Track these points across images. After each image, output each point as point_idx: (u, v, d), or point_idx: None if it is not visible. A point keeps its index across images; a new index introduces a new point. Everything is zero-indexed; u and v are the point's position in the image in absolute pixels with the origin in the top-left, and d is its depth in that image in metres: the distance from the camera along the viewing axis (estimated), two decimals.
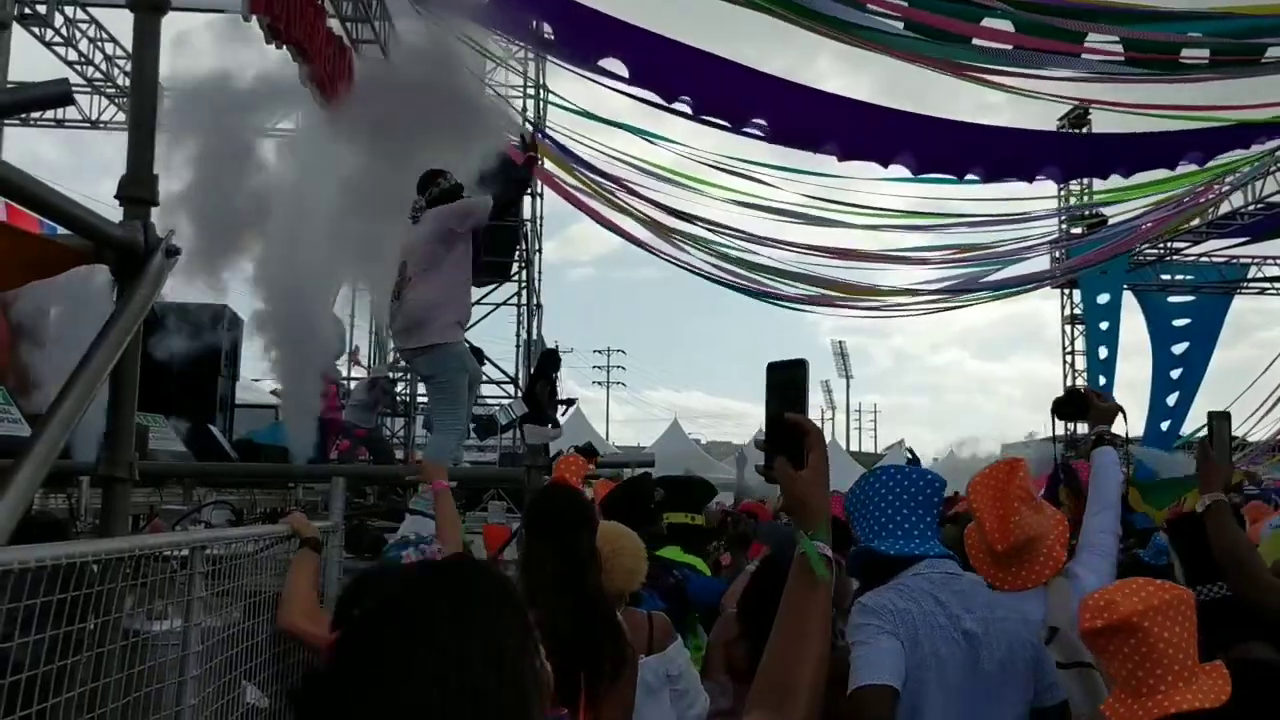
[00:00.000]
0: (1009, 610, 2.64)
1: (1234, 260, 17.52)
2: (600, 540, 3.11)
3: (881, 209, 11.70)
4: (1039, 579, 2.68)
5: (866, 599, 2.61)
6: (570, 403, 12.35)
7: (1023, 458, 2.89)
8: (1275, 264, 17.74)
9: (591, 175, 10.63)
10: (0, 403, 7.21)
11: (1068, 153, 10.54)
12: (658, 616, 3.40)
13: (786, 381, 1.55)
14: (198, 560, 2.42)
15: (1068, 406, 3.31)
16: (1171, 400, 17.36)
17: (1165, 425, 17.20)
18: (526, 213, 15.55)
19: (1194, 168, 10.47)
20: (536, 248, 16.06)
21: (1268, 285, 18.01)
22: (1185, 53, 8.04)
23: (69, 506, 5.83)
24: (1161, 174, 11.64)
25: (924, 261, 12.61)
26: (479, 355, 11.19)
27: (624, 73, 10.22)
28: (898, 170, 10.91)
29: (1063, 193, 16.48)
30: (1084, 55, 7.66)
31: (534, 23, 10.94)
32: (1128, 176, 10.75)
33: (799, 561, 1.49)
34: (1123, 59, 7.78)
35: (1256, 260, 17.54)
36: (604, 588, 2.87)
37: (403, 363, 6.10)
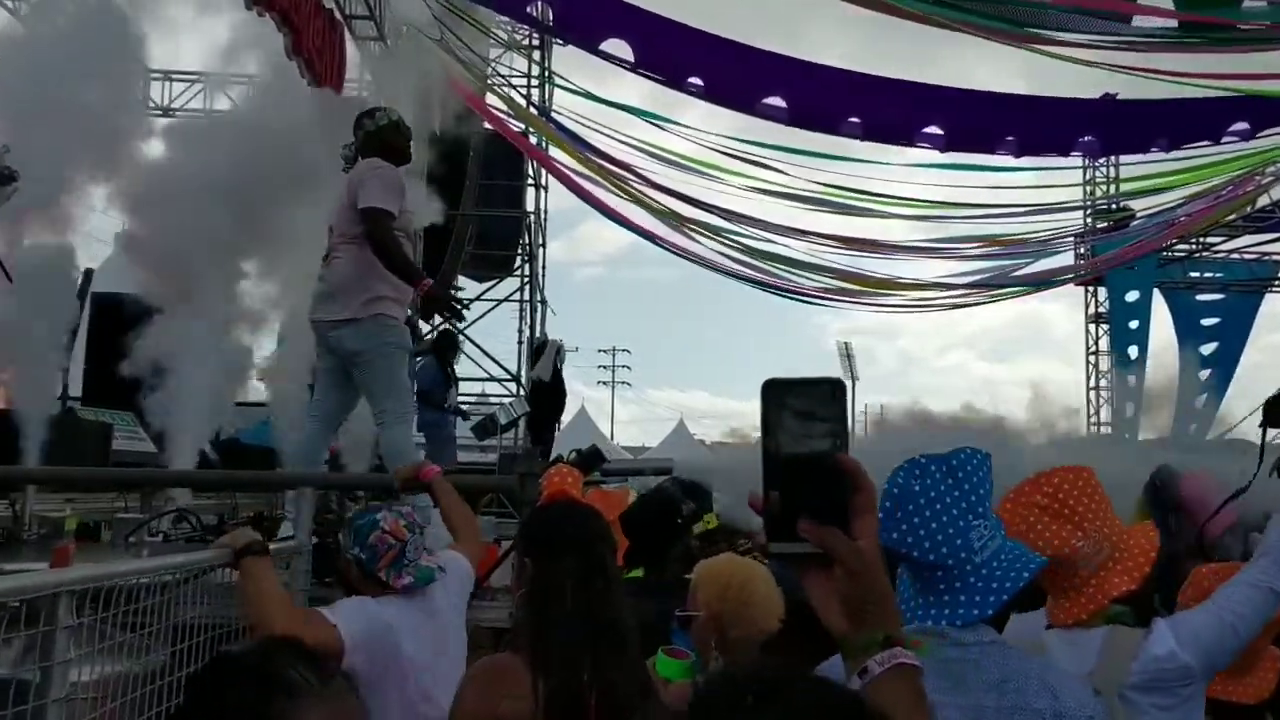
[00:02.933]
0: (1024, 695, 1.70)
1: (1265, 257, 16.89)
2: (718, 584, 2.58)
3: (904, 198, 11.13)
4: (1072, 615, 2.20)
5: None
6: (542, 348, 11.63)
7: (1089, 467, 2.31)
8: None
9: (601, 161, 10.07)
10: None
11: (1106, 120, 9.85)
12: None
13: (813, 408, 1.02)
14: (62, 610, 1.74)
15: None
16: (1200, 403, 16.81)
17: (1193, 428, 16.69)
18: (530, 205, 14.94)
19: (1240, 145, 9.81)
20: (540, 241, 15.40)
21: None
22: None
23: (12, 514, 5.23)
24: (1196, 162, 11.05)
25: (944, 253, 12.03)
26: (452, 344, 10.43)
27: (629, 56, 9.75)
28: (922, 155, 10.35)
29: (1089, 181, 15.87)
30: (1135, 21, 7.09)
31: (537, 5, 10.55)
32: (1169, 151, 10.12)
33: (902, 683, 1.00)
34: (1176, 26, 7.21)
35: None
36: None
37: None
